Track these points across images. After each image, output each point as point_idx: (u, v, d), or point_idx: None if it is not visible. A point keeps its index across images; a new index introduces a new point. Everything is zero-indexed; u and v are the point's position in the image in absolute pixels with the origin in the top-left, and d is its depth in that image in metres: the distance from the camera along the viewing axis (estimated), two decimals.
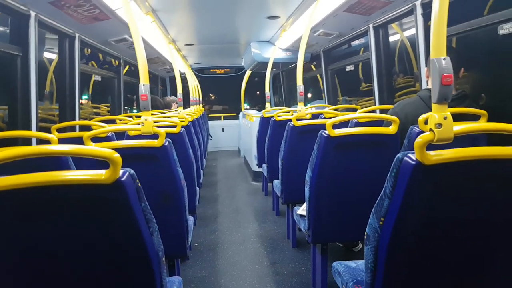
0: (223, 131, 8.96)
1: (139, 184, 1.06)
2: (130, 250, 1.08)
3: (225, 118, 9.23)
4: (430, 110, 1.10)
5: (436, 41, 1.06)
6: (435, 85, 1.06)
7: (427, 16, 2.47)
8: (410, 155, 1.04)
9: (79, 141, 1.92)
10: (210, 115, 9.15)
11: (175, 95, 6.62)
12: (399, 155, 1.07)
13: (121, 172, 0.99)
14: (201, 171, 4.13)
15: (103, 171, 0.98)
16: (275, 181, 3.40)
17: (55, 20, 2.68)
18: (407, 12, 2.64)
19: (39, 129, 2.56)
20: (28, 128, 2.45)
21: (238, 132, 8.33)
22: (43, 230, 1.05)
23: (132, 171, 1.03)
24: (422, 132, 1.59)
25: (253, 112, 6.85)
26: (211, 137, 8.35)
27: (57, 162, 1.62)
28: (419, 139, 1.01)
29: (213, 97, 10.04)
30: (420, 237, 1.12)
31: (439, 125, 1.03)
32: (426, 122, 1.60)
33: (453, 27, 2.23)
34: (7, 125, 2.68)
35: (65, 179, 0.98)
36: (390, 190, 1.08)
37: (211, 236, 3.43)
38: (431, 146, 1.03)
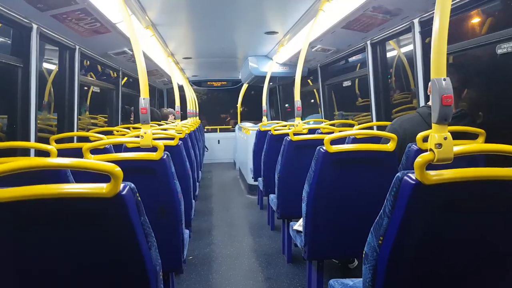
0: (219, 143, 8.97)
1: (139, 198, 1.06)
2: (128, 264, 1.08)
3: (221, 130, 9.25)
4: (429, 127, 1.10)
5: (436, 62, 1.07)
6: (435, 105, 1.07)
7: (424, 34, 2.51)
8: (410, 174, 1.04)
9: (77, 152, 1.92)
10: (206, 127, 9.17)
11: (172, 107, 6.65)
12: (398, 174, 1.07)
13: (121, 186, 1.00)
14: (197, 183, 4.11)
15: (103, 185, 0.98)
16: (271, 195, 3.39)
17: (56, 33, 2.70)
18: (405, 29, 2.69)
19: (38, 139, 2.55)
20: (27, 138, 2.44)
21: (234, 145, 8.34)
22: (42, 242, 1.04)
23: (132, 185, 1.04)
24: (420, 150, 1.61)
25: (249, 125, 6.87)
26: (207, 149, 8.35)
27: (56, 174, 1.62)
28: (419, 159, 1.02)
29: (209, 109, 10.08)
30: (419, 256, 1.12)
31: (439, 145, 1.04)
32: (424, 140, 1.61)
33: (452, 45, 2.26)
34: (6, 134, 2.67)
35: (65, 192, 0.98)
36: (390, 209, 1.08)
37: (206, 250, 3.40)
38: (429, 165, 1.04)
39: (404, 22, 2.64)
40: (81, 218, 1.03)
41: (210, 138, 8.81)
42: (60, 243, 1.05)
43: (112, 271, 1.09)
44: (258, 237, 3.71)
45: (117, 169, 0.97)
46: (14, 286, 1.07)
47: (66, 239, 1.05)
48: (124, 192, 1.00)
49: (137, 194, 1.05)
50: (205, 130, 8.96)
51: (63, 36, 2.82)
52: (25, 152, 2.44)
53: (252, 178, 4.56)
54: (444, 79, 1.07)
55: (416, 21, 2.53)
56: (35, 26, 2.39)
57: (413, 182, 1.02)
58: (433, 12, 1.07)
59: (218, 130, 9.23)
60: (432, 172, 1.02)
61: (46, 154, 1.75)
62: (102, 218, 1.02)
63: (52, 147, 1.76)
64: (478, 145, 1.14)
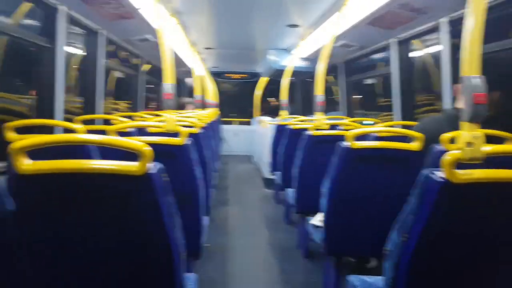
0: (235, 135, 8.98)
1: (166, 179, 1.07)
2: (153, 242, 1.10)
3: (239, 123, 9.25)
4: (456, 130, 1.09)
5: (469, 59, 1.05)
6: (467, 103, 1.06)
7: (453, 34, 2.46)
8: (438, 172, 1.03)
9: (102, 134, 1.95)
10: (223, 119, 9.19)
11: (190, 97, 6.68)
12: (426, 172, 1.06)
13: (150, 165, 1.01)
14: (215, 173, 4.14)
15: (134, 163, 1.00)
16: (288, 190, 3.38)
17: (82, 16, 2.74)
18: (432, 29, 2.64)
19: (63, 119, 2.61)
20: (53, 117, 2.50)
21: (250, 138, 8.34)
22: (70, 216, 1.07)
23: (161, 165, 1.05)
24: (445, 150, 1.58)
25: (266, 119, 6.86)
26: (224, 140, 8.37)
27: (83, 152, 1.65)
28: (448, 157, 1.01)
29: (227, 101, 10.09)
30: (443, 255, 1.11)
31: (469, 144, 1.03)
32: (450, 141, 1.58)
33: (487, 45, 2.21)
34: (33, 113, 2.74)
35: (97, 167, 1.00)
36: (416, 206, 1.08)
37: (222, 239, 3.42)
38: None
39: (431, 20, 2.59)
40: (110, 195, 1.05)
41: (227, 130, 8.83)
42: (87, 219, 1.07)
43: (137, 249, 1.11)
44: (273, 231, 3.71)
45: (147, 148, 0.99)
46: (40, 257, 1.09)
47: (94, 215, 1.07)
48: (153, 171, 1.02)
49: (165, 174, 1.07)
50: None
51: (89, 19, 2.86)
52: (50, 131, 2.49)
53: (270, 172, 4.56)
54: (477, 77, 1.06)
55: (444, 20, 2.47)
56: (62, 8, 2.43)
57: (442, 180, 1.01)
58: (463, 12, 1.06)
59: (235, 122, 9.23)
60: (460, 171, 1.01)
61: (72, 133, 1.79)
62: (130, 196, 1.04)
63: (80, 126, 1.80)
64: (509, 146, 1.12)
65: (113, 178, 1.02)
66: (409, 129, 1.98)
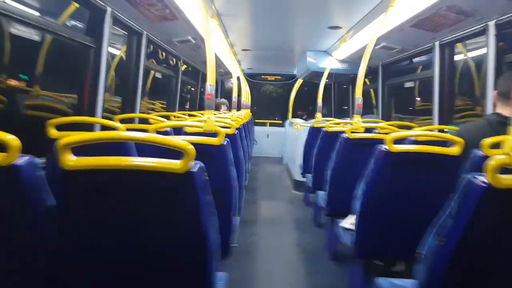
0: (268, 137, 9.00)
1: (207, 178, 1.09)
2: (191, 241, 1.11)
3: (271, 125, 9.27)
4: (496, 135, 1.06)
5: None
6: None
7: (499, 37, 2.36)
8: (480, 177, 1.01)
9: (142, 132, 2.01)
10: (256, 121, 9.23)
11: (225, 98, 6.76)
12: (468, 176, 1.04)
13: (192, 163, 1.03)
14: (247, 174, 4.17)
15: (177, 161, 1.02)
16: (320, 192, 3.37)
17: (127, 17, 2.83)
18: (478, 32, 2.55)
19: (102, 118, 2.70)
20: (93, 115, 2.59)
21: (282, 140, 8.33)
22: (112, 213, 1.10)
23: (202, 164, 1.07)
24: (486, 156, 1.53)
25: (299, 121, 6.84)
26: (256, 142, 8.41)
27: (122, 149, 1.71)
28: (492, 162, 0.98)
29: (261, 103, 10.13)
30: (480, 261, 1.08)
31: None
32: (492, 146, 1.53)
33: None
34: (73, 111, 2.85)
35: (142, 165, 1.03)
36: (455, 211, 1.05)
37: (250, 240, 3.44)
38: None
39: (478, 24, 2.50)
40: (152, 192, 1.07)
41: (259, 132, 8.86)
42: (128, 214, 1.10)
43: (175, 246, 1.12)
44: (302, 233, 3.70)
45: (190, 146, 1.01)
46: (79, 252, 1.13)
47: (135, 211, 1.09)
48: (195, 170, 1.03)
49: (205, 173, 1.09)
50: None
51: (133, 20, 2.95)
52: (88, 129, 2.57)
53: (301, 174, 4.55)
54: None
55: (492, 23, 2.39)
56: (109, 9, 2.52)
57: (484, 185, 0.98)
58: (510, 15, 1.02)
59: (268, 124, 9.25)
60: (503, 176, 0.98)
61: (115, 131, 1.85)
62: (172, 194, 1.06)
63: (120, 125, 1.86)
64: None
65: (155, 176, 1.04)
66: (447, 134, 1.93)
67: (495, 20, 2.35)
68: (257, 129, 8.74)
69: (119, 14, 2.69)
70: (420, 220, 1.36)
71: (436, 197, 1.33)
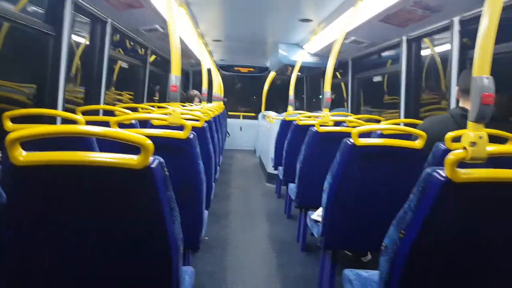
0: (241, 130, 8.96)
1: (167, 173, 1.06)
2: (152, 236, 1.09)
3: (244, 117, 9.23)
4: (460, 129, 1.08)
5: (481, 59, 1.05)
6: (475, 103, 1.05)
7: (464, 34, 2.42)
8: (439, 171, 1.02)
9: (103, 125, 1.94)
10: (229, 113, 9.17)
11: (196, 89, 6.67)
12: (428, 170, 1.05)
13: (151, 159, 1.00)
14: (218, 167, 4.14)
15: (134, 156, 0.98)
16: (291, 184, 3.39)
17: (89, 4, 2.72)
18: (444, 28, 2.60)
19: (64, 110, 2.59)
20: (54, 107, 2.49)
21: (255, 133, 8.33)
22: (68, 209, 1.05)
23: (161, 159, 1.04)
24: (448, 149, 1.56)
25: (272, 114, 6.84)
26: (229, 134, 8.36)
27: (82, 143, 1.64)
28: (451, 156, 1.00)
29: (234, 95, 10.07)
30: (439, 253, 1.11)
31: (474, 143, 1.02)
32: (454, 140, 1.56)
33: (500, 45, 2.17)
34: (33, 103, 2.72)
35: (96, 160, 0.99)
36: (415, 204, 1.07)
37: (221, 232, 3.43)
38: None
39: (444, 19, 2.55)
40: (108, 188, 1.03)
41: (233, 124, 8.81)
42: (85, 212, 1.06)
43: (136, 242, 1.10)
44: (274, 225, 3.72)
45: (148, 141, 0.97)
46: (39, 251, 1.08)
47: (91, 208, 1.06)
48: (153, 165, 1.00)
49: (165, 169, 1.06)
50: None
51: (96, 7, 2.83)
52: (50, 121, 2.47)
53: (273, 166, 4.56)
54: (487, 78, 1.05)
55: (456, 19, 2.44)
56: None
57: (443, 179, 1.00)
58: (476, 12, 1.05)
59: (241, 117, 9.22)
60: (462, 170, 1.00)
61: (73, 123, 1.77)
62: (129, 189, 1.03)
63: (80, 117, 1.78)
64: None
65: (112, 172, 1.00)
66: (413, 128, 1.96)
67: (459, 17, 2.40)
68: (230, 121, 8.68)
69: (80, 1, 2.57)
70: (385, 213, 1.38)
71: (401, 190, 1.36)
